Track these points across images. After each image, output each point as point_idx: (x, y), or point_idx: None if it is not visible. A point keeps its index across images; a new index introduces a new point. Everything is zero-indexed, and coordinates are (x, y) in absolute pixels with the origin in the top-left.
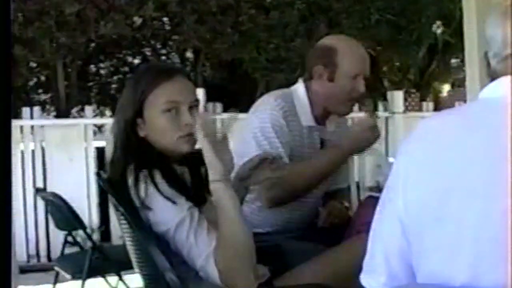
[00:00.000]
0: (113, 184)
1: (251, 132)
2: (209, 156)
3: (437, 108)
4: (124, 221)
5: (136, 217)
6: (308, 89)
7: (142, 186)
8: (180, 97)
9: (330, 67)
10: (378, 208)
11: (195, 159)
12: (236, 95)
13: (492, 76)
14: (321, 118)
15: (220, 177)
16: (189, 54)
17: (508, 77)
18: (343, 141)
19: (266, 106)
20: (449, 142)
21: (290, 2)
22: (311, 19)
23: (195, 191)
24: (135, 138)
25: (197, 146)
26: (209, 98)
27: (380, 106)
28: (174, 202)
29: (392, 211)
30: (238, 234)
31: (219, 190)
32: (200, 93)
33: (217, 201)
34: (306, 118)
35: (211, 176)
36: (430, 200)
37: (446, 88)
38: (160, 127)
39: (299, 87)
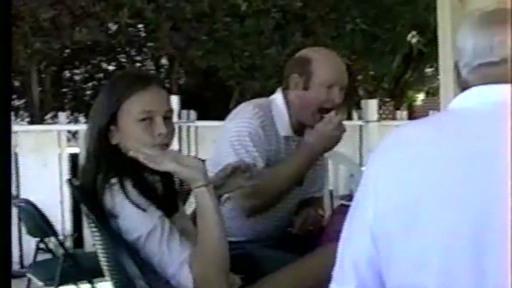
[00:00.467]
0: (84, 191)
1: (228, 140)
2: (182, 172)
3: (411, 116)
4: (95, 229)
5: (106, 225)
6: (285, 98)
7: (112, 194)
8: (155, 107)
9: (305, 76)
10: (348, 217)
11: None
12: (210, 103)
13: (463, 86)
14: (299, 128)
15: (202, 182)
16: (164, 61)
17: (479, 87)
18: (311, 139)
19: (244, 115)
20: (419, 152)
21: (265, 10)
22: (286, 27)
23: (167, 200)
24: (107, 145)
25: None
26: (184, 105)
27: (355, 115)
28: (144, 210)
29: (361, 220)
30: (219, 239)
31: (204, 194)
32: (175, 100)
33: (202, 205)
34: (284, 128)
35: (193, 185)
36: (399, 209)
37: (420, 96)
38: (133, 136)
39: (277, 97)
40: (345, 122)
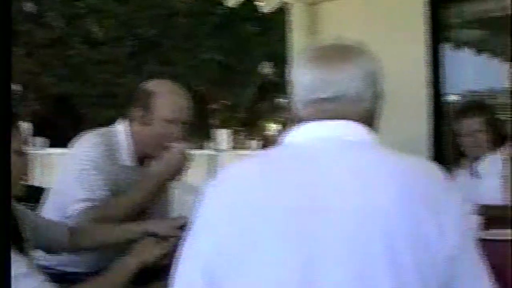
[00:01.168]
0: None
1: (71, 168)
2: None
3: (264, 146)
4: None
5: None
6: (129, 129)
7: None
8: None
9: (147, 110)
10: (182, 250)
11: None
12: (63, 130)
13: (297, 120)
14: (142, 158)
15: None
16: (16, 87)
17: (312, 122)
18: (157, 168)
19: (84, 144)
20: (250, 187)
21: (120, 37)
22: (141, 55)
23: None
24: None
25: None
26: (36, 132)
27: (207, 144)
28: None
29: (195, 254)
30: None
31: None
32: (27, 127)
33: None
34: (126, 157)
35: None
36: (231, 245)
37: (273, 126)
38: None
39: (119, 127)
40: (197, 152)
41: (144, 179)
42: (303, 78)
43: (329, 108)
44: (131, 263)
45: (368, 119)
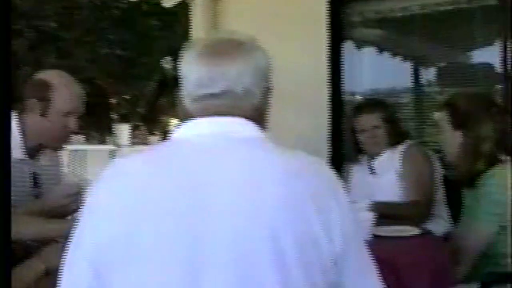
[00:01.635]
0: None
1: None
2: None
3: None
4: None
5: None
6: (20, 121)
7: None
8: None
9: (43, 102)
10: (72, 237)
11: None
12: None
13: (186, 116)
14: (33, 152)
15: None
16: None
17: (199, 119)
18: (45, 198)
19: None
20: (133, 185)
21: (19, 30)
22: (40, 47)
23: None
24: None
25: None
26: None
27: (107, 139)
28: None
29: (82, 249)
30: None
31: None
32: None
33: None
34: (16, 150)
35: None
36: (118, 241)
37: (174, 122)
38: None
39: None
40: (97, 147)
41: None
42: (191, 73)
43: (217, 104)
44: (37, 267)
45: (258, 116)
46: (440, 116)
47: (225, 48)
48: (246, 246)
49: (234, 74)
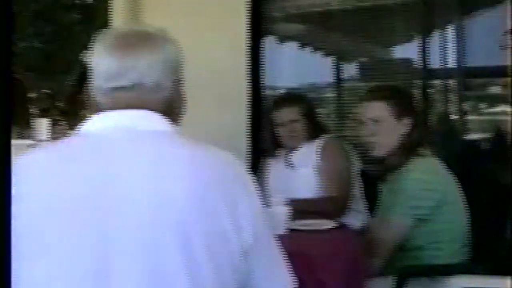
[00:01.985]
0: None
1: None
2: None
3: None
4: None
5: None
6: None
7: None
8: None
9: None
10: None
11: None
12: None
13: (95, 108)
14: None
15: None
16: None
17: (108, 112)
18: None
19: None
20: (38, 179)
21: None
22: None
23: None
24: None
25: None
26: None
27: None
28: None
29: None
30: None
31: None
32: None
33: None
34: None
35: None
36: (27, 233)
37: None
38: None
39: None
40: (16, 141)
41: None
42: (100, 66)
43: (125, 97)
44: None
45: (168, 109)
46: (378, 107)
47: (134, 40)
48: (153, 238)
49: (143, 67)
